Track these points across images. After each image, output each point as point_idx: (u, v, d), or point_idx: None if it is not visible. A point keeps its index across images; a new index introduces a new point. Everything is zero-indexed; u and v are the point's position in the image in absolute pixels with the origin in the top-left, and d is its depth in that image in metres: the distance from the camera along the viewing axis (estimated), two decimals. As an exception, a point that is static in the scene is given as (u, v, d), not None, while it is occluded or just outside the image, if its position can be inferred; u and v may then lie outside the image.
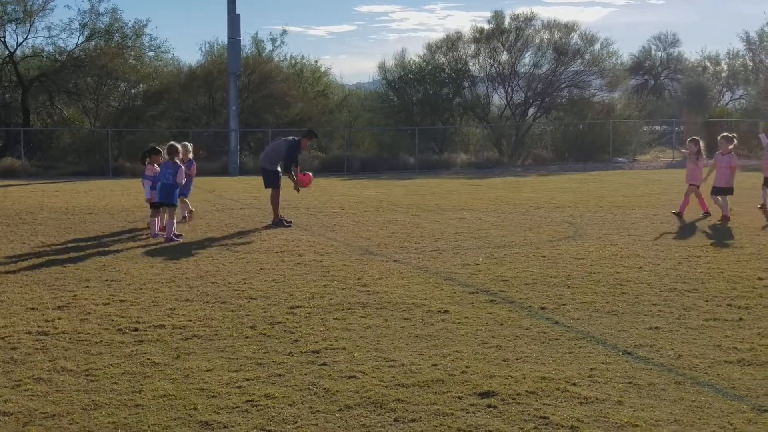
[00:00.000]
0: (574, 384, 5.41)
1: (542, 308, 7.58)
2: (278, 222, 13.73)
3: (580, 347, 6.28)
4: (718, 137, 14.89)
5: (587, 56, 38.03)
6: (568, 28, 37.98)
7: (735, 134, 15.18)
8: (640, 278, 8.96)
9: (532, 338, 6.55)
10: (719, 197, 14.10)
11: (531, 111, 38.90)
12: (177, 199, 12.49)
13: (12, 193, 20.90)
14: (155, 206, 12.59)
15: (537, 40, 37.97)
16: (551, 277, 9.08)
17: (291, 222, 13.85)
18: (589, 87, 38.68)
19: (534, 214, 15.28)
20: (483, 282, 8.83)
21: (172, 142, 12.79)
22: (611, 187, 22.10)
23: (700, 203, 14.73)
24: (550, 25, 37.98)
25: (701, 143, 14.96)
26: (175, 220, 12.32)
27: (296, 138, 14.27)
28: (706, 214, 14.48)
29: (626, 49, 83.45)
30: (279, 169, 14.05)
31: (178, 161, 12.40)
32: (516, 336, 6.61)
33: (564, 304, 7.72)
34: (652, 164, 34.56)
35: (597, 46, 38.19)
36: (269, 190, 14.05)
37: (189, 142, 14.61)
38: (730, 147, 14.45)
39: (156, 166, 12.73)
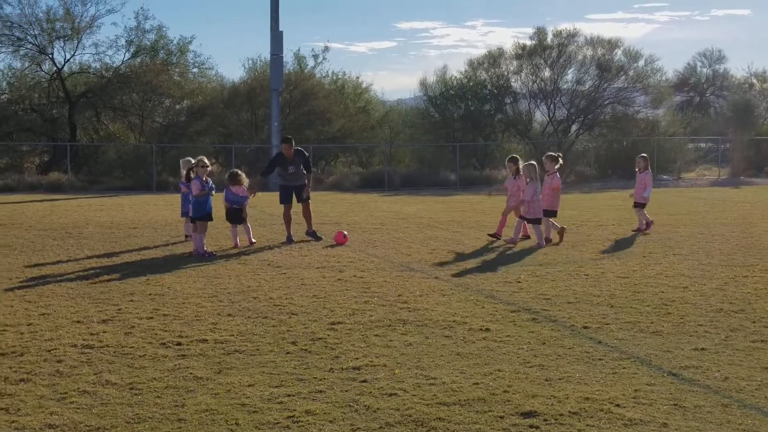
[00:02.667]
0: (618, 405, 5.33)
1: (585, 327, 7.49)
2: (289, 239, 13.86)
3: (624, 368, 6.20)
4: (543, 156, 14.40)
5: (631, 73, 37.73)
6: (612, 44, 37.74)
7: (560, 154, 14.64)
8: (686, 298, 8.82)
9: (575, 358, 6.47)
10: (545, 219, 13.48)
11: (573, 127, 38.64)
12: (207, 214, 12.54)
13: (58, 208, 21.26)
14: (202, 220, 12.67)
15: (580, 57, 37.80)
16: (594, 296, 8.97)
17: (293, 241, 13.82)
18: (633, 103, 38.36)
19: (577, 232, 15.13)
20: (525, 300, 8.76)
21: (200, 157, 12.98)
22: (655, 204, 21.79)
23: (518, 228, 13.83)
24: (594, 42, 37.76)
25: (520, 162, 14.14)
26: (203, 236, 12.36)
27: (279, 152, 14.40)
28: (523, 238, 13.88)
29: (671, 66, 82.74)
30: (289, 183, 14.15)
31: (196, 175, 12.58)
32: (558, 355, 6.54)
33: (607, 324, 7.62)
34: (698, 182, 34.11)
35: (641, 63, 37.91)
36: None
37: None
38: (556, 167, 13.90)
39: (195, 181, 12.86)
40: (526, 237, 13.97)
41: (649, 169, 15.74)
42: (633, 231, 14.96)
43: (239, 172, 13.51)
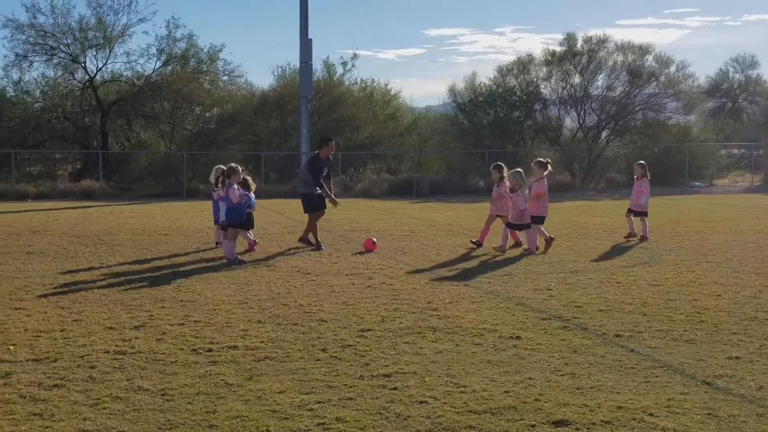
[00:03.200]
0: (651, 414, 5.28)
1: (617, 336, 7.43)
2: (314, 243, 13.80)
3: (656, 376, 6.13)
4: (532, 163, 14.32)
5: (662, 78, 37.42)
6: (643, 50, 37.46)
7: (548, 160, 14.42)
8: (719, 306, 8.71)
9: (606, 366, 6.41)
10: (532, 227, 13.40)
11: (604, 134, 38.36)
12: (241, 220, 12.65)
13: (91, 215, 21.49)
14: (238, 227, 12.81)
15: (610, 63, 37.57)
16: (626, 303, 8.89)
17: (321, 247, 13.72)
18: (665, 110, 38.04)
19: (607, 239, 15.03)
20: (556, 308, 8.70)
21: (232, 164, 13.04)
22: (687, 211, 21.62)
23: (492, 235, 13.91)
24: (624, 47, 37.53)
25: (504, 170, 14.09)
26: (234, 242, 12.46)
27: (315, 152, 14.19)
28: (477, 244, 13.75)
29: (702, 71, 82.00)
30: (314, 191, 13.97)
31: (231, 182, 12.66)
32: (590, 364, 6.49)
33: (640, 332, 7.55)
34: (730, 188, 33.73)
35: (672, 68, 37.60)
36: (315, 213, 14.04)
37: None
38: (545, 173, 13.69)
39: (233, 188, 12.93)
40: (518, 244, 13.86)
41: (648, 176, 15.49)
42: (625, 237, 14.92)
43: (249, 178, 13.50)
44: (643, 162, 16.00)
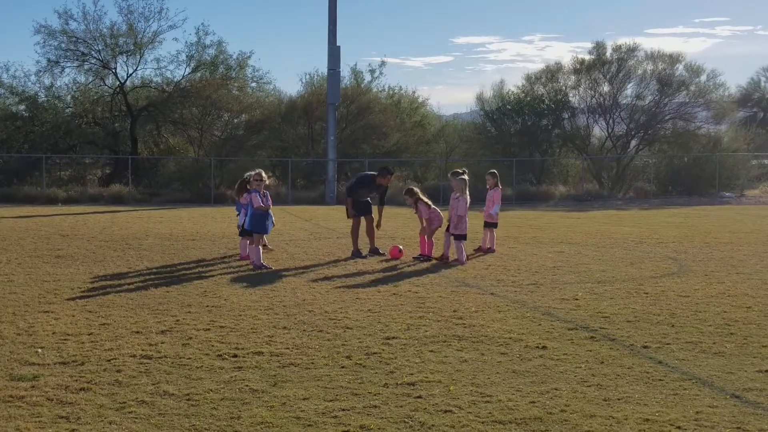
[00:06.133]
0: (678, 427, 5.21)
1: (645, 347, 7.35)
2: (356, 252, 13.83)
3: (685, 389, 6.05)
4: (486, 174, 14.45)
5: (692, 88, 37.07)
6: (673, 59, 37.16)
7: (494, 171, 14.58)
8: (749, 318, 8.59)
9: (634, 378, 6.34)
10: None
11: (633, 143, 38.09)
12: (269, 227, 12.70)
13: (119, 219, 21.67)
14: (248, 233, 12.85)
15: (640, 71, 37.30)
16: (654, 314, 8.80)
17: (365, 255, 13.79)
18: (695, 119, 37.69)
19: (636, 249, 14.90)
20: (582, 318, 8.63)
21: (258, 170, 13.06)
22: (717, 222, 21.38)
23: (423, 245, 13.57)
24: (654, 56, 37.25)
25: (420, 194, 13.96)
26: (261, 248, 12.50)
27: (373, 174, 14.28)
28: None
29: (733, 81, 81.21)
30: (365, 200, 14.17)
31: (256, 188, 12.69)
32: (617, 375, 6.42)
33: (668, 344, 7.46)
34: (761, 199, 33.31)
35: (703, 78, 37.23)
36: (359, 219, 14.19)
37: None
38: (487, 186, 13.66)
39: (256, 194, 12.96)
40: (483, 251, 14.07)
41: (499, 186, 15.12)
42: (474, 249, 14.34)
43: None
44: (494, 171, 15.43)
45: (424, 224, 13.66)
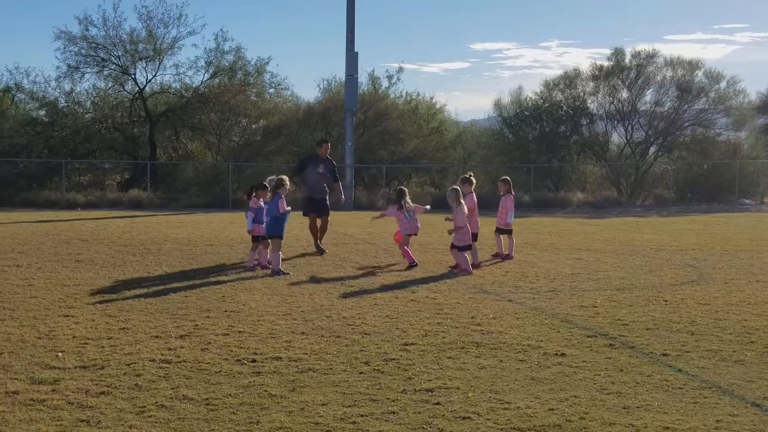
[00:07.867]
0: (699, 436, 5.17)
1: (664, 355, 7.31)
2: (318, 248, 14.84)
3: (705, 397, 6.01)
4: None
5: (712, 94, 36.88)
6: (692, 65, 36.99)
7: (471, 173, 14.45)
8: (770, 327, 8.53)
9: (653, 386, 6.31)
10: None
11: (652, 150, 37.92)
12: (283, 232, 12.77)
13: (138, 224, 21.79)
14: (256, 239, 12.90)
15: (659, 78, 37.14)
16: (674, 322, 8.75)
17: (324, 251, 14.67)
18: (714, 126, 37.47)
19: (655, 257, 14.82)
20: (601, 325, 8.59)
21: (282, 176, 13.10)
22: (737, 229, 21.23)
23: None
24: (673, 63, 37.07)
25: (407, 196, 13.88)
26: (280, 253, 12.54)
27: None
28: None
29: (753, 88, 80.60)
30: (313, 196, 15.15)
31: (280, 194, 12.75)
32: (637, 383, 6.39)
33: (688, 352, 7.42)
34: (781, 206, 33.04)
35: (723, 84, 37.02)
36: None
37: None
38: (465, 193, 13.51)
39: (261, 200, 12.99)
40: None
41: (512, 192, 15.13)
42: (492, 255, 14.62)
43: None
44: (506, 177, 15.49)
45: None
